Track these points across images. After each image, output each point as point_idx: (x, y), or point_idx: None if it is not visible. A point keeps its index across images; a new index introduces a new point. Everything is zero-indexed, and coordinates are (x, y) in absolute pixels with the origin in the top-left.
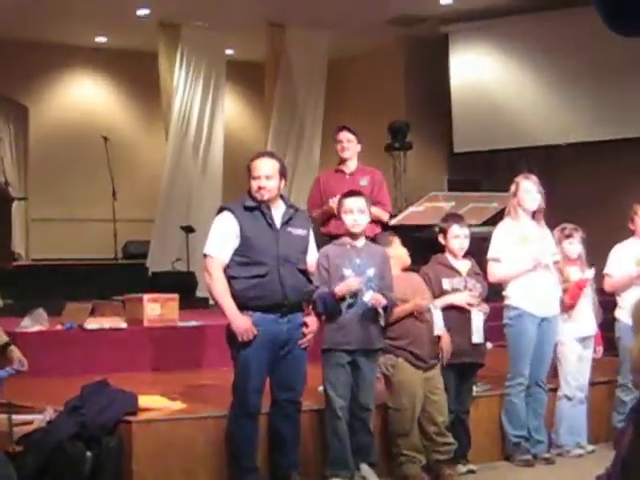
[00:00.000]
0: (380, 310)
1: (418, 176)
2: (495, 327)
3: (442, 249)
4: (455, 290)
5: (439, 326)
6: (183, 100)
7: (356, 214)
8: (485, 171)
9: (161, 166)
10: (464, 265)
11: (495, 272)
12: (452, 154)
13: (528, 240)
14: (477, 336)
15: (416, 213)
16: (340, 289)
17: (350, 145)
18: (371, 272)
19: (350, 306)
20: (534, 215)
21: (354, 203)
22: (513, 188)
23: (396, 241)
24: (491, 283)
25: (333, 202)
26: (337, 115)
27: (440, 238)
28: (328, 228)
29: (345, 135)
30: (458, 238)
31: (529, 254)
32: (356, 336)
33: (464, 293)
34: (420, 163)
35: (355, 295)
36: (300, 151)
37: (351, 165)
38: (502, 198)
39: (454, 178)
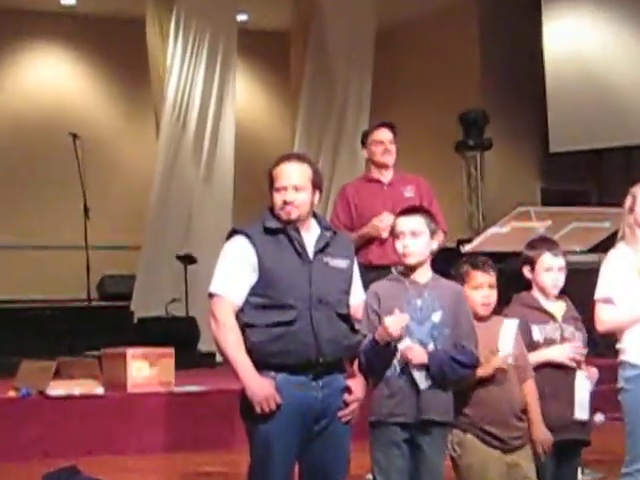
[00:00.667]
0: (416, 375)
1: (501, 185)
2: (607, 392)
3: (528, 285)
4: (550, 341)
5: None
6: (180, 82)
7: (407, 239)
8: (593, 177)
9: (150, 173)
10: (558, 307)
11: (606, 317)
12: (547, 154)
13: None
14: (581, 411)
15: (498, 236)
16: (380, 334)
17: (393, 148)
18: (436, 317)
19: (406, 370)
20: None
21: (405, 224)
22: (629, 202)
23: (477, 275)
24: (601, 332)
25: (380, 221)
26: (387, 102)
27: (526, 271)
28: (368, 256)
29: (387, 134)
30: (551, 271)
31: None
32: (414, 404)
33: (564, 346)
34: (503, 167)
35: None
36: (340, 152)
37: (387, 172)
38: (618, 215)
39: (550, 187)
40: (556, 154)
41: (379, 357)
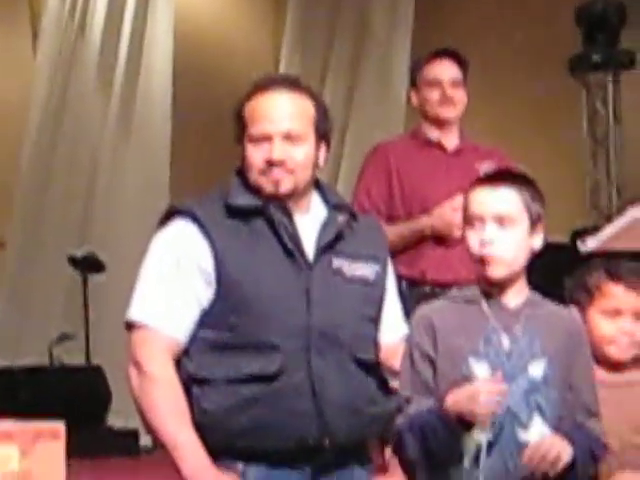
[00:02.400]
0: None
1: None
2: None
3: None
4: None
5: None
6: None
7: (488, 228)
8: None
9: (24, 116)
10: None
11: None
12: None
13: None
14: None
15: None
16: (457, 404)
17: (458, 92)
18: (537, 370)
19: (480, 449)
20: None
21: (488, 203)
22: None
23: (617, 293)
24: None
25: (453, 209)
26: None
27: None
28: (420, 267)
29: (449, 70)
30: None
31: None
32: None
33: None
34: None
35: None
36: (360, 88)
37: (453, 135)
38: None
39: None
40: None
41: (443, 442)
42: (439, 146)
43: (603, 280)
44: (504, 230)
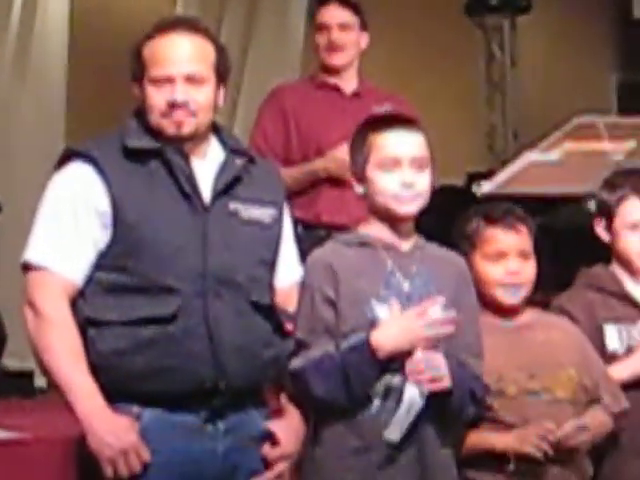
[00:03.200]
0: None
1: (546, 76)
2: None
3: (608, 253)
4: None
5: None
6: None
7: (408, 171)
8: None
9: None
10: None
11: None
12: (628, 24)
13: None
14: None
15: (541, 167)
16: (391, 340)
17: (347, 36)
18: (435, 311)
19: (386, 393)
20: None
21: (404, 143)
22: None
23: (499, 236)
24: None
25: (345, 153)
26: None
27: (599, 229)
28: (315, 209)
29: (337, 13)
30: (638, 230)
31: None
32: (405, 471)
33: None
34: (550, 44)
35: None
36: (258, 24)
37: (349, 78)
38: None
39: (633, 79)
40: None
41: (360, 379)
42: (336, 89)
43: (481, 225)
44: (421, 173)
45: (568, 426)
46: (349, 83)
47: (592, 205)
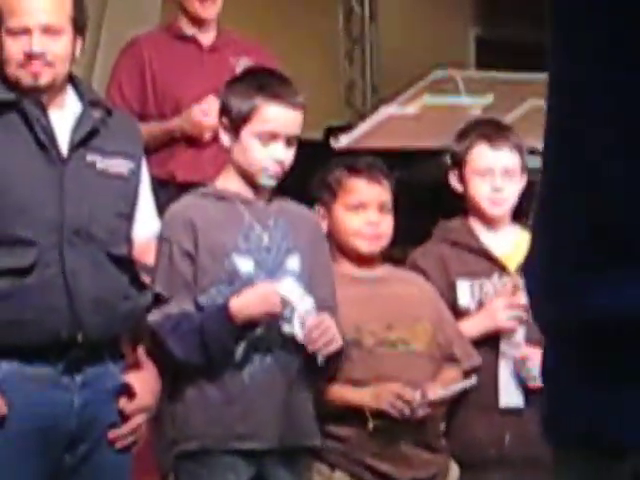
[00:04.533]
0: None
1: (404, 31)
2: None
3: (463, 206)
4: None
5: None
6: None
7: (280, 145)
8: None
9: None
10: (514, 245)
11: None
12: None
13: None
14: (508, 392)
15: (398, 121)
16: (252, 302)
17: None
18: (294, 264)
19: (253, 349)
20: None
21: (282, 112)
22: None
23: (359, 187)
24: None
25: (203, 112)
26: None
27: (453, 180)
28: (169, 167)
29: None
30: (489, 176)
31: None
32: (269, 421)
33: (495, 302)
34: (408, 1)
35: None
36: None
37: (209, 30)
38: None
39: (491, 35)
40: None
41: (218, 344)
42: (194, 42)
43: (344, 176)
44: (290, 148)
45: (430, 392)
46: (208, 35)
47: (447, 159)
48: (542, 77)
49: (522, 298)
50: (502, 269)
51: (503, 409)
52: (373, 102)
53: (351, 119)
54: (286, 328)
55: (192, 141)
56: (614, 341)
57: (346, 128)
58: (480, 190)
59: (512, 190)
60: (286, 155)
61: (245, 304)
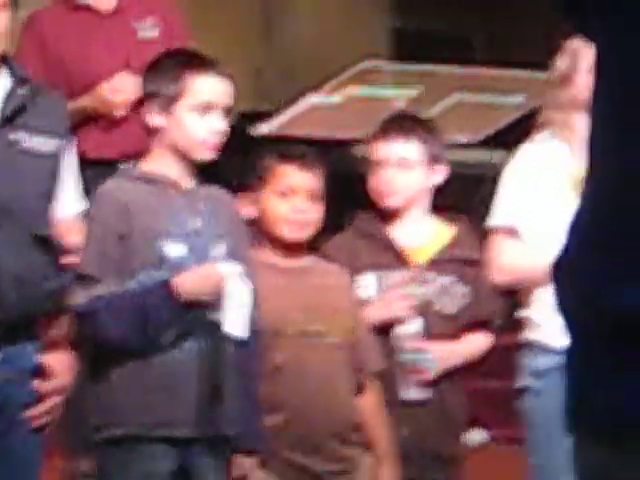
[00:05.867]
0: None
1: (321, 18)
2: (493, 393)
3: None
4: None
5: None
6: None
7: (217, 118)
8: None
9: None
10: (423, 236)
11: (508, 259)
12: None
13: None
14: (407, 386)
15: (322, 110)
16: (196, 281)
17: None
18: (221, 250)
19: (182, 334)
20: None
21: (215, 82)
22: (563, 64)
23: (291, 174)
24: (497, 284)
25: (111, 91)
26: None
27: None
28: (81, 145)
29: None
30: (381, 168)
31: None
32: (196, 408)
33: (387, 296)
34: None
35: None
36: None
37: None
38: (536, 84)
39: (409, 26)
40: None
41: (157, 321)
42: (91, 10)
43: (275, 161)
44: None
45: None
46: (107, 1)
47: (361, 150)
48: (469, 71)
49: (418, 290)
50: (406, 261)
51: (402, 402)
52: (284, 89)
53: (261, 105)
54: (214, 315)
55: (103, 119)
56: None
57: (264, 115)
58: (372, 182)
59: (406, 180)
60: (224, 126)
61: (188, 282)
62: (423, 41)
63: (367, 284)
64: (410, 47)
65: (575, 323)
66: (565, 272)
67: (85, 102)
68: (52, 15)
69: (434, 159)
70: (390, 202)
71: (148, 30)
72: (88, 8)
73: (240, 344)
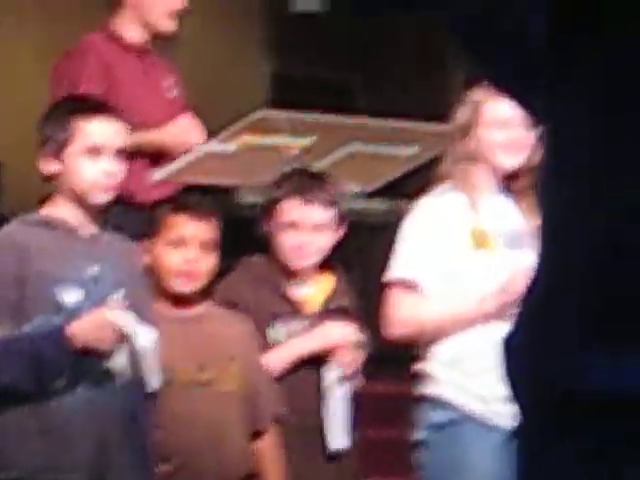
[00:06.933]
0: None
1: (197, 59)
2: (384, 444)
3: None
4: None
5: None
6: None
7: (108, 160)
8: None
9: None
10: (314, 288)
11: (406, 313)
12: (283, 15)
13: (489, 242)
14: (336, 436)
15: (217, 158)
16: (84, 333)
17: None
18: (119, 297)
19: (76, 379)
20: (510, 182)
21: (101, 125)
22: (463, 116)
23: (182, 224)
24: (393, 338)
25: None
26: None
27: (265, 226)
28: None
29: None
30: (298, 230)
31: (490, 277)
32: (87, 455)
33: (331, 326)
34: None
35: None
36: None
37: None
38: (433, 136)
39: (287, 71)
40: (301, 17)
41: (51, 367)
42: (136, 48)
43: (168, 212)
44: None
45: None
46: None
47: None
48: (366, 122)
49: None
50: (297, 310)
51: (330, 453)
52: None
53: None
54: (110, 362)
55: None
56: None
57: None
58: (284, 242)
59: (321, 243)
60: (116, 168)
61: (81, 330)
62: (302, 87)
63: (276, 334)
64: (289, 93)
65: (523, 394)
66: (513, 346)
67: (156, 136)
68: (109, 47)
69: (341, 219)
70: (305, 263)
71: (170, 90)
72: (134, 48)
73: (134, 393)
